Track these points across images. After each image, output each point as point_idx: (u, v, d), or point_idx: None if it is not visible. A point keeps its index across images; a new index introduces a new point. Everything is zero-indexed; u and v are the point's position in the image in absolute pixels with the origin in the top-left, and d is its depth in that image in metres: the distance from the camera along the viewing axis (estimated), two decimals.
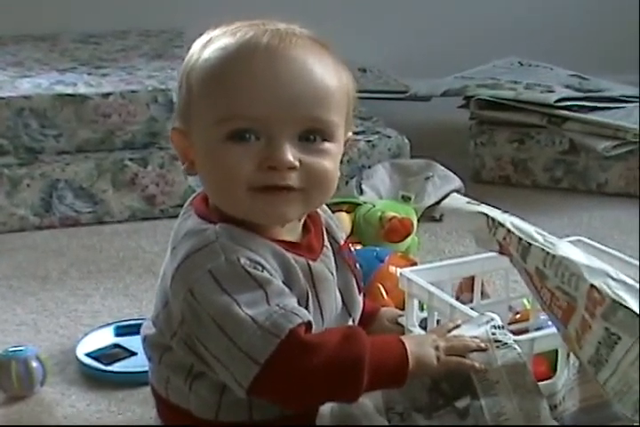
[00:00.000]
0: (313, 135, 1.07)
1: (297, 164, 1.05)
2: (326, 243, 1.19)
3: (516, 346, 1.10)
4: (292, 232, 1.14)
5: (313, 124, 1.06)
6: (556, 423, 1.09)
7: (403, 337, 1.11)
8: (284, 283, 1.07)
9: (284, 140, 1.05)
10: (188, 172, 1.14)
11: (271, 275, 1.05)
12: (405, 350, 1.06)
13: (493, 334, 1.10)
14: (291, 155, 1.04)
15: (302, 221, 1.16)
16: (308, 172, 1.06)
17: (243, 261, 1.04)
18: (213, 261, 1.05)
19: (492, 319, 1.13)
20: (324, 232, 1.20)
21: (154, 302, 1.17)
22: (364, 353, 1.03)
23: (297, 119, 1.05)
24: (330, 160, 1.08)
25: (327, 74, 1.07)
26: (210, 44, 1.09)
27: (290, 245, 1.11)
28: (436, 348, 1.09)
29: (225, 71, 1.06)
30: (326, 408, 1.14)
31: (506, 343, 1.10)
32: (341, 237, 1.25)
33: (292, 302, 1.05)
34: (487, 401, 1.07)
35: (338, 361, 1.03)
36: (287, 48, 1.06)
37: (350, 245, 1.29)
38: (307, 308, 1.10)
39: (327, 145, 1.08)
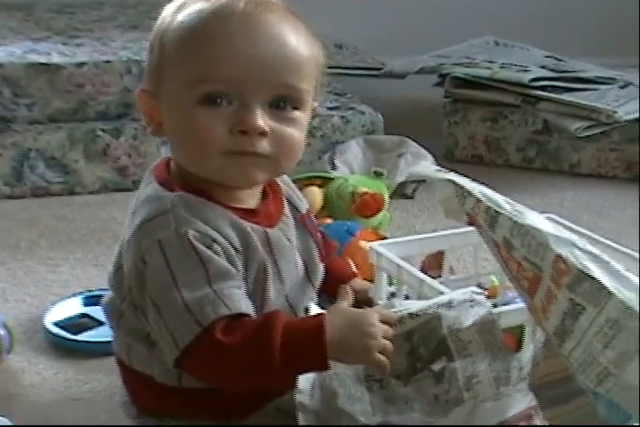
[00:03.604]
0: (284, 102, 1.08)
1: (267, 129, 1.06)
2: (286, 212, 1.20)
3: (488, 303, 1.12)
4: (251, 199, 1.15)
5: (284, 90, 1.07)
6: (524, 384, 1.11)
7: (330, 317, 1.04)
8: (241, 252, 1.08)
9: (255, 106, 1.05)
10: (155, 133, 1.15)
11: (222, 247, 1.06)
12: (323, 340, 1.01)
13: (469, 295, 1.12)
14: (262, 120, 1.05)
15: (261, 187, 1.17)
16: (277, 140, 1.08)
17: (192, 233, 1.05)
18: (164, 231, 1.05)
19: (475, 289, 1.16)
20: (284, 201, 1.21)
21: None
22: (274, 350, 1.00)
23: (269, 84, 1.06)
24: (298, 129, 1.10)
25: (301, 42, 1.08)
26: (184, 8, 1.10)
27: (247, 214, 1.12)
28: (364, 333, 1.03)
29: (200, 33, 1.06)
30: (307, 381, 1.12)
31: (478, 301, 1.11)
32: (304, 206, 1.25)
33: (231, 284, 1.05)
34: (461, 363, 1.08)
35: (247, 358, 1.02)
36: (263, 14, 1.07)
37: (319, 218, 1.29)
38: (266, 276, 1.11)
39: (297, 113, 1.09)
